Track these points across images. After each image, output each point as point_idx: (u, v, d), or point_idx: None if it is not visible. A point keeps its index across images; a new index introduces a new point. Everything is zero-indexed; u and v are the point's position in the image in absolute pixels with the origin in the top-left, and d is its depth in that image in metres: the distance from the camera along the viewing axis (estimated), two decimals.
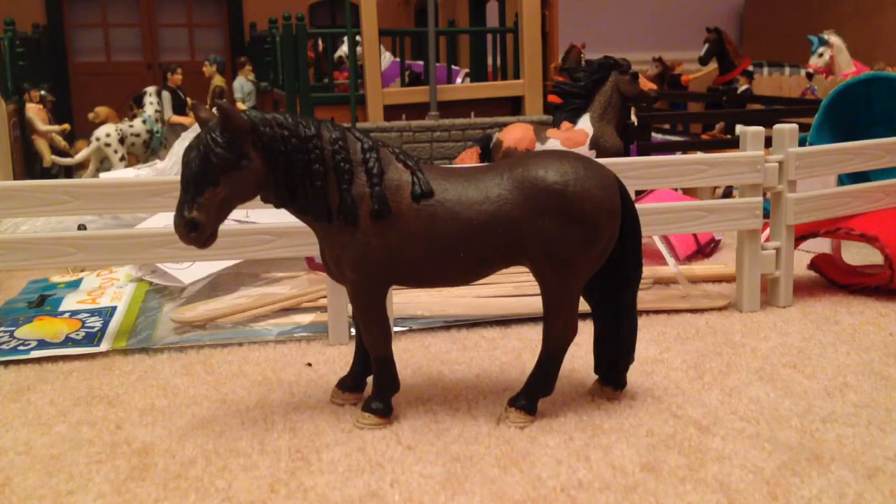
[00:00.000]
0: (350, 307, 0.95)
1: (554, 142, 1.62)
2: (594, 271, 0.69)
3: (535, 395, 0.70)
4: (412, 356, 0.86)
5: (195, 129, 1.55)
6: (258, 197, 0.67)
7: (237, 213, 1.19)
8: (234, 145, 0.63)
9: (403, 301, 0.97)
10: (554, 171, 0.65)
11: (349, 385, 0.73)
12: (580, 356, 0.85)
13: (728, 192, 1.63)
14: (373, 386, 0.69)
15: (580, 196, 0.63)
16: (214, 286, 1.09)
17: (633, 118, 1.90)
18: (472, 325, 0.95)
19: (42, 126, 2.40)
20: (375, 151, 0.67)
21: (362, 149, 0.67)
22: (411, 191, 0.66)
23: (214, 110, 0.65)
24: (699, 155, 1.05)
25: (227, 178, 0.62)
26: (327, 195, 0.66)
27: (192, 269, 1.08)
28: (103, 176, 1.73)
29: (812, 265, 1.14)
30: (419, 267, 0.67)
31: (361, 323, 0.69)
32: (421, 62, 2.61)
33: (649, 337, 0.88)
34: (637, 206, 0.72)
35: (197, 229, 0.61)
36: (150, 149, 2.38)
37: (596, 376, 0.75)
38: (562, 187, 0.64)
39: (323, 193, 0.66)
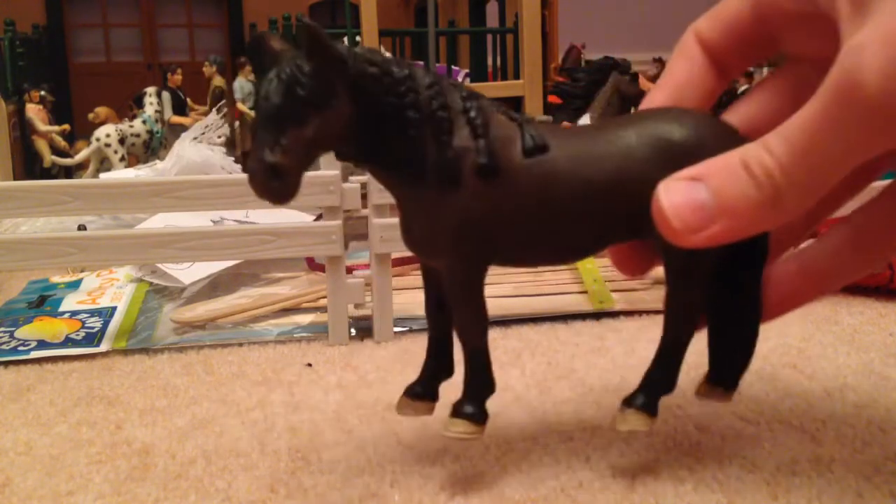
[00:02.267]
0: (351, 308, 0.95)
1: None
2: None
3: (657, 392, 0.58)
4: (412, 356, 0.86)
5: (195, 130, 1.55)
6: (319, 160, 0.54)
7: (237, 213, 1.19)
8: (324, 77, 0.49)
9: (403, 301, 0.97)
10: (687, 127, 0.54)
11: (420, 392, 0.60)
12: (580, 356, 0.85)
13: None
14: (465, 386, 0.57)
15: (714, 150, 0.50)
16: (214, 286, 1.09)
17: None
18: None
19: (42, 126, 2.40)
20: (476, 100, 0.55)
21: (462, 97, 0.54)
22: (522, 145, 0.54)
23: (302, 33, 0.50)
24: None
25: (316, 116, 0.49)
26: (422, 149, 0.52)
27: (192, 269, 1.08)
28: (103, 176, 1.73)
29: None
30: (530, 237, 0.55)
31: (456, 307, 0.56)
32: (421, 62, 2.62)
33: (649, 337, 0.88)
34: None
35: (280, 176, 0.47)
36: (150, 149, 2.38)
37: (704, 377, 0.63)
38: (697, 144, 0.53)
39: (417, 146, 0.52)
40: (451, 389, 0.59)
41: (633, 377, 0.74)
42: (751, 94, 0.62)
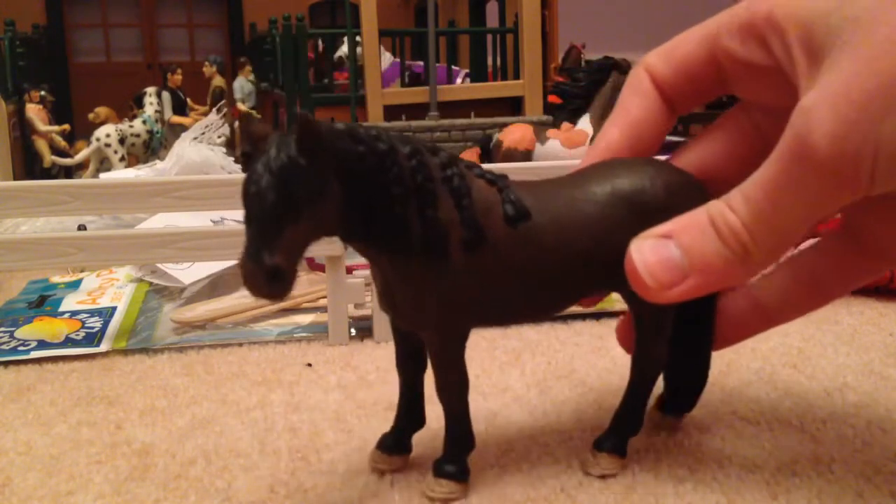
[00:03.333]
0: (351, 308, 0.95)
1: (554, 142, 1.62)
2: None
3: (625, 434, 0.60)
4: None
5: (195, 130, 1.55)
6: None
7: (237, 213, 1.19)
8: (318, 170, 0.47)
9: None
10: (658, 184, 0.55)
11: (392, 446, 0.59)
12: (580, 356, 0.85)
13: None
14: (445, 445, 0.57)
15: (683, 206, 0.52)
16: (214, 286, 1.09)
17: None
18: None
19: (42, 126, 2.41)
20: (456, 166, 0.53)
21: (441, 164, 0.53)
22: (504, 214, 0.54)
23: (295, 125, 0.47)
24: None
25: (310, 210, 0.46)
26: (408, 222, 0.51)
27: (192, 270, 1.08)
28: (103, 176, 1.73)
29: None
30: (513, 303, 0.55)
31: (439, 372, 0.56)
32: (421, 62, 2.62)
33: None
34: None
35: (279, 278, 0.45)
36: (150, 149, 2.39)
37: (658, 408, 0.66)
38: (668, 202, 0.54)
39: (403, 220, 0.51)
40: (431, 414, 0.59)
41: None
42: (701, 137, 0.62)
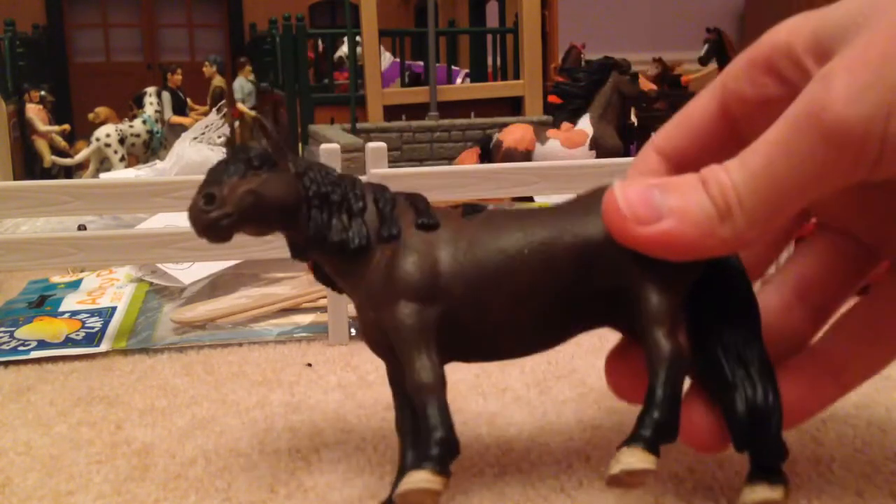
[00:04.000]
0: (351, 308, 0.95)
1: (554, 142, 1.62)
2: None
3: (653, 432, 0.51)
4: None
5: (195, 130, 1.55)
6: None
7: None
8: (274, 153, 0.54)
9: None
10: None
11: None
12: (580, 356, 0.85)
13: None
14: (423, 439, 0.51)
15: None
16: (214, 286, 1.09)
17: (633, 118, 1.90)
18: None
19: (42, 126, 2.40)
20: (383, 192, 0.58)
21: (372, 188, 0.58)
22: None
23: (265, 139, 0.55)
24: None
25: (257, 174, 0.53)
26: (361, 228, 0.55)
27: (192, 269, 1.08)
28: (103, 176, 1.73)
29: None
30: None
31: (407, 361, 0.53)
32: (421, 62, 2.61)
33: None
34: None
35: (213, 202, 0.50)
36: (150, 149, 2.38)
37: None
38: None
39: (350, 227, 0.55)
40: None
41: None
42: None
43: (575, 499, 0.57)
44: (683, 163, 0.55)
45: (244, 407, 0.74)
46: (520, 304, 0.53)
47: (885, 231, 0.56)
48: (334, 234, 0.54)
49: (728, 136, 0.54)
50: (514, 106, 2.53)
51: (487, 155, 1.62)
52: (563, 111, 1.76)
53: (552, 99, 1.87)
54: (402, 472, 0.52)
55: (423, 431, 0.51)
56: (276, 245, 0.90)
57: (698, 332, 0.54)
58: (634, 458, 0.49)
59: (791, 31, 0.49)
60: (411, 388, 0.52)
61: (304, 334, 0.94)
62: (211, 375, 0.83)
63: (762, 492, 0.53)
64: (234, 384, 0.80)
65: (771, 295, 0.59)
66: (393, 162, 1.90)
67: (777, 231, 0.61)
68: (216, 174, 0.53)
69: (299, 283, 1.08)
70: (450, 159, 2.13)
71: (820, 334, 0.59)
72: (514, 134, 1.63)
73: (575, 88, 1.74)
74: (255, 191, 0.53)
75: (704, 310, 0.54)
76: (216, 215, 0.52)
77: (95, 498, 0.59)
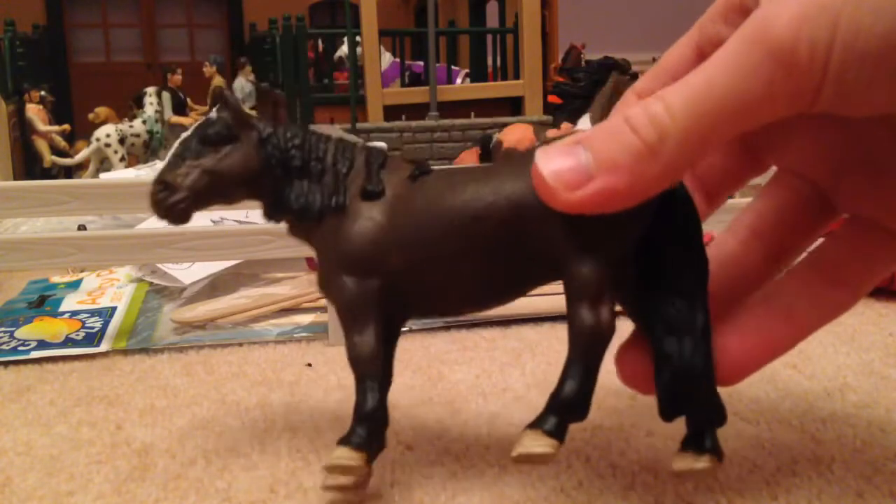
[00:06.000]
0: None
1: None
2: None
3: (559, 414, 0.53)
4: (411, 356, 0.86)
5: None
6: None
7: (237, 214, 1.19)
8: (232, 123, 0.55)
9: None
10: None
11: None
12: None
13: None
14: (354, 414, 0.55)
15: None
16: (214, 286, 1.09)
17: None
18: (472, 326, 0.95)
19: (42, 126, 2.41)
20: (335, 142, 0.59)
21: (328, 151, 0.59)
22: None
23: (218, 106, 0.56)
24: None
25: (215, 151, 0.54)
26: (316, 192, 0.57)
27: (192, 269, 1.08)
28: (103, 176, 1.73)
29: None
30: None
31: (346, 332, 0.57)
32: (421, 62, 2.61)
33: None
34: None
35: (167, 189, 0.53)
36: (150, 149, 2.39)
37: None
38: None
39: (312, 190, 0.57)
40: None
41: None
42: None
43: (575, 499, 0.57)
44: None
45: (244, 407, 0.74)
46: (459, 268, 0.53)
47: (840, 180, 0.55)
48: (294, 202, 0.56)
49: None
50: (514, 106, 2.53)
51: (487, 155, 1.63)
52: (563, 111, 1.76)
53: (552, 99, 1.88)
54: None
55: (354, 406, 0.55)
56: (276, 245, 0.90)
57: (644, 272, 0.53)
58: (535, 443, 0.51)
59: None
60: (349, 360, 0.56)
61: (304, 334, 0.94)
62: (211, 375, 0.83)
63: (687, 461, 0.51)
64: (234, 384, 0.80)
65: (728, 234, 0.59)
66: None
67: (723, 174, 0.59)
68: (175, 156, 0.55)
69: (299, 283, 1.08)
70: (450, 159, 2.13)
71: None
72: (514, 134, 1.63)
73: (575, 88, 1.75)
74: (211, 170, 0.54)
75: (651, 250, 0.52)
76: (172, 200, 0.54)
77: (95, 498, 0.59)
